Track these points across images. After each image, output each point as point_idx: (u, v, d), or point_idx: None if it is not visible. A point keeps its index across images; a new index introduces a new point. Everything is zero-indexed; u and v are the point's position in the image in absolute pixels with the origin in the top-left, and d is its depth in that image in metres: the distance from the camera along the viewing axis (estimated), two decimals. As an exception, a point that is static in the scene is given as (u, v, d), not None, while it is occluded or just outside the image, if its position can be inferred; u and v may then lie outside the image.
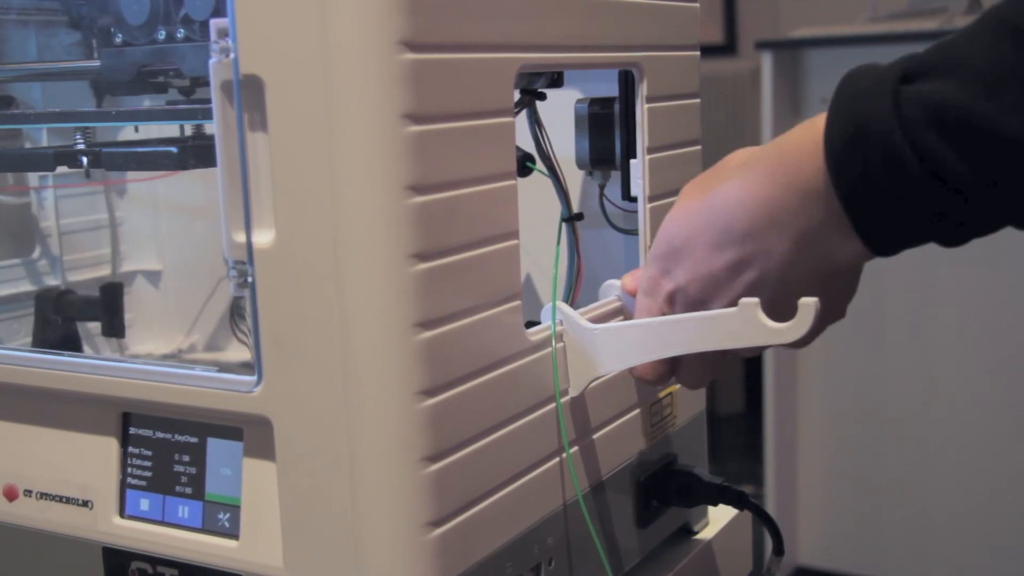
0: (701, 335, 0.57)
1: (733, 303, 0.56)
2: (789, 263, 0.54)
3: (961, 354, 2.05)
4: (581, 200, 0.82)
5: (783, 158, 0.54)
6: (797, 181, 0.53)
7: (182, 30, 0.67)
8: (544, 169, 0.73)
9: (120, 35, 0.70)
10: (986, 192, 0.48)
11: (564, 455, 0.63)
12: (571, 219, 0.74)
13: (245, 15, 0.52)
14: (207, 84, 0.70)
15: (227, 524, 0.60)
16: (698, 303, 0.58)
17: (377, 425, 0.52)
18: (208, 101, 0.68)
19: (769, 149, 0.55)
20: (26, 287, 0.88)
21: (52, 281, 0.90)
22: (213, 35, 0.53)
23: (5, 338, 0.86)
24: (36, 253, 0.90)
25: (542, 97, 0.72)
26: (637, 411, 0.70)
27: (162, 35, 0.68)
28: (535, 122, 0.72)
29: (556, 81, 0.72)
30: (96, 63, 0.72)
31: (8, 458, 0.67)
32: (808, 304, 0.53)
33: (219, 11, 0.65)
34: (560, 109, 0.76)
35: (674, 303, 0.59)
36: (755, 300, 0.55)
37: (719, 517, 0.81)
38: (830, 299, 0.57)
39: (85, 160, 0.72)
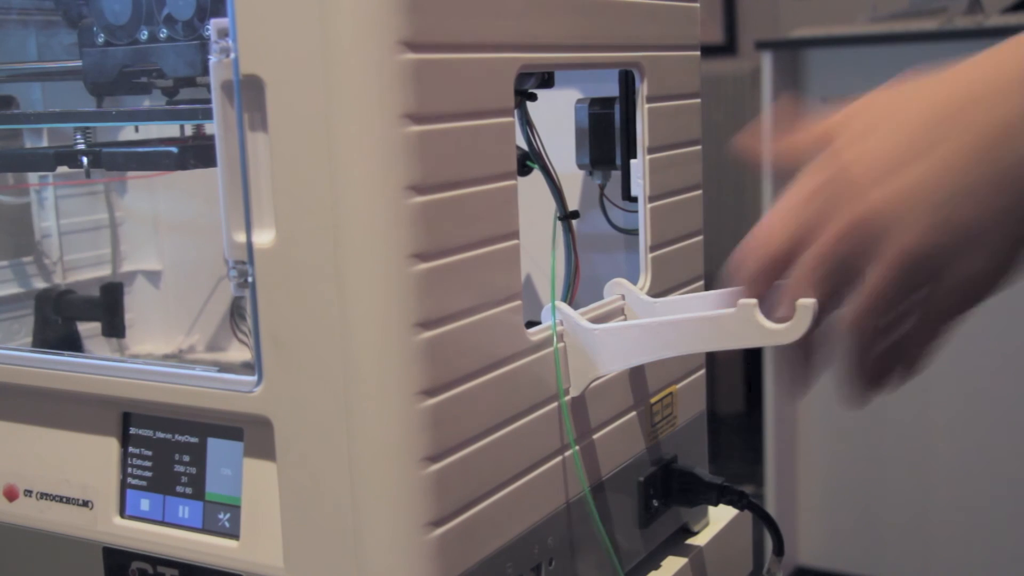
0: (700, 335, 0.57)
1: (890, 197, 0.49)
2: (967, 164, 0.48)
3: (961, 354, 2.04)
4: (581, 200, 0.82)
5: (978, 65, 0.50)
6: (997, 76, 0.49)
7: (164, 30, 0.67)
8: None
9: (102, 35, 0.69)
10: None
11: (567, 454, 0.63)
12: (566, 217, 0.73)
13: (245, 15, 0.52)
14: (191, 85, 0.70)
15: (227, 524, 0.60)
16: (854, 186, 0.51)
17: (377, 425, 0.52)
18: (199, 100, 0.68)
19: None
20: (26, 287, 0.88)
21: (52, 281, 0.90)
22: (213, 35, 0.53)
23: (5, 338, 0.86)
24: (36, 253, 0.90)
25: (533, 98, 0.72)
26: (637, 411, 0.70)
27: (144, 35, 0.68)
28: (526, 123, 0.72)
29: (547, 81, 0.72)
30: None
31: (8, 458, 0.67)
32: (806, 305, 0.53)
33: (201, 11, 0.65)
34: (558, 109, 0.76)
35: (834, 181, 0.52)
36: (753, 301, 0.55)
37: (719, 517, 0.81)
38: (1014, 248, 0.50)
39: (85, 160, 0.72)
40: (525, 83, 0.71)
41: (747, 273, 0.54)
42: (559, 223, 0.74)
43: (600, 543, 0.66)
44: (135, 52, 0.68)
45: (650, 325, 0.59)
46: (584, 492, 0.64)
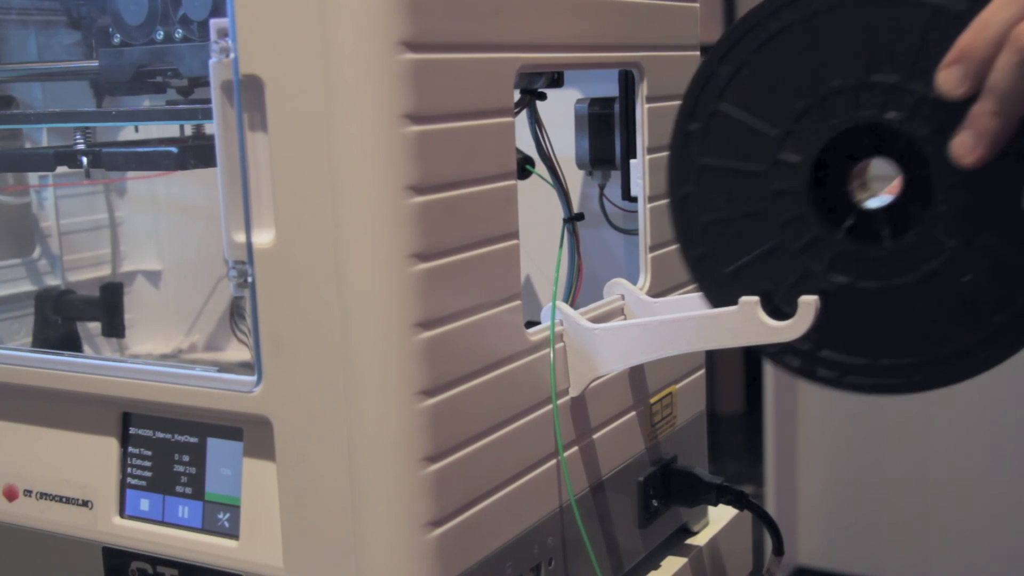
0: (701, 334, 0.57)
1: None
2: None
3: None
4: (581, 200, 0.82)
5: None
6: None
7: (180, 30, 0.67)
8: (543, 172, 0.73)
9: (118, 35, 0.70)
10: None
11: (564, 455, 0.63)
12: (572, 219, 0.74)
13: (245, 15, 0.52)
14: (205, 84, 0.70)
15: (227, 524, 0.60)
16: None
17: (377, 425, 0.52)
18: (207, 101, 0.68)
19: None
20: (26, 287, 0.88)
21: (52, 281, 0.90)
22: (213, 35, 0.53)
23: (5, 338, 0.86)
24: (36, 253, 0.90)
25: (542, 97, 0.72)
26: (637, 411, 0.70)
27: (160, 35, 0.68)
28: (535, 122, 0.72)
29: (556, 81, 0.72)
30: (96, 63, 0.72)
31: (8, 458, 0.67)
32: (808, 302, 0.53)
33: (217, 11, 0.65)
34: (560, 109, 0.76)
35: None
36: (755, 299, 0.55)
37: (719, 517, 0.81)
38: None
39: (85, 160, 0.72)
40: (535, 82, 0.71)
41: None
42: (564, 224, 0.74)
43: (588, 550, 0.66)
44: (151, 52, 0.69)
45: (650, 324, 0.59)
46: (571, 501, 0.65)
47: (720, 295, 0.57)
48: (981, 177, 0.50)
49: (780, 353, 0.56)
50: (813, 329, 0.55)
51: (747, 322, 0.55)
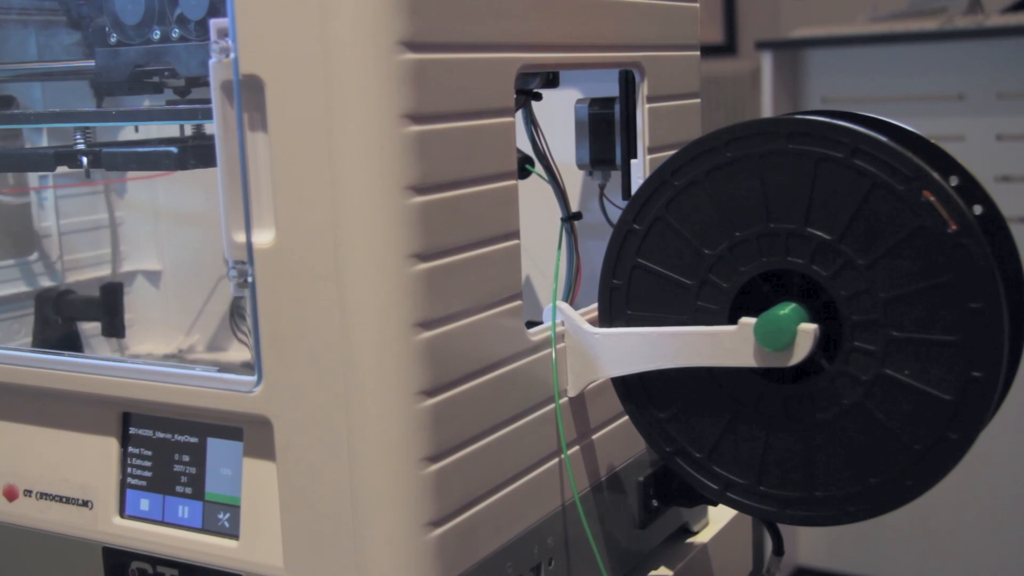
0: (698, 350, 0.57)
1: None
2: None
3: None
4: (581, 200, 0.82)
5: None
6: None
7: (177, 30, 0.67)
8: (543, 171, 0.73)
9: (115, 35, 0.70)
10: None
11: (563, 456, 0.63)
12: (570, 218, 0.74)
13: (245, 15, 0.52)
14: (203, 84, 0.70)
15: (227, 524, 0.60)
16: None
17: (377, 425, 0.52)
18: (205, 101, 0.68)
19: None
20: (26, 287, 0.88)
21: (52, 281, 0.90)
22: (213, 35, 0.53)
23: (5, 338, 0.86)
24: (36, 253, 0.90)
25: (538, 97, 0.72)
26: (637, 411, 0.70)
27: (157, 35, 0.68)
28: (531, 122, 0.72)
29: (552, 81, 0.72)
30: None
31: (8, 458, 0.67)
32: (807, 330, 0.53)
33: (214, 11, 0.65)
34: (560, 109, 0.76)
35: None
36: (754, 320, 0.55)
37: (719, 517, 0.81)
38: None
39: (85, 160, 0.72)
40: (530, 83, 0.71)
41: None
42: (562, 223, 0.74)
43: (593, 548, 0.66)
44: (148, 51, 0.69)
45: (650, 334, 0.59)
46: (575, 499, 0.65)
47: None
48: (882, 313, 0.52)
49: (723, 490, 0.59)
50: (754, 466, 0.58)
51: (744, 343, 0.55)
